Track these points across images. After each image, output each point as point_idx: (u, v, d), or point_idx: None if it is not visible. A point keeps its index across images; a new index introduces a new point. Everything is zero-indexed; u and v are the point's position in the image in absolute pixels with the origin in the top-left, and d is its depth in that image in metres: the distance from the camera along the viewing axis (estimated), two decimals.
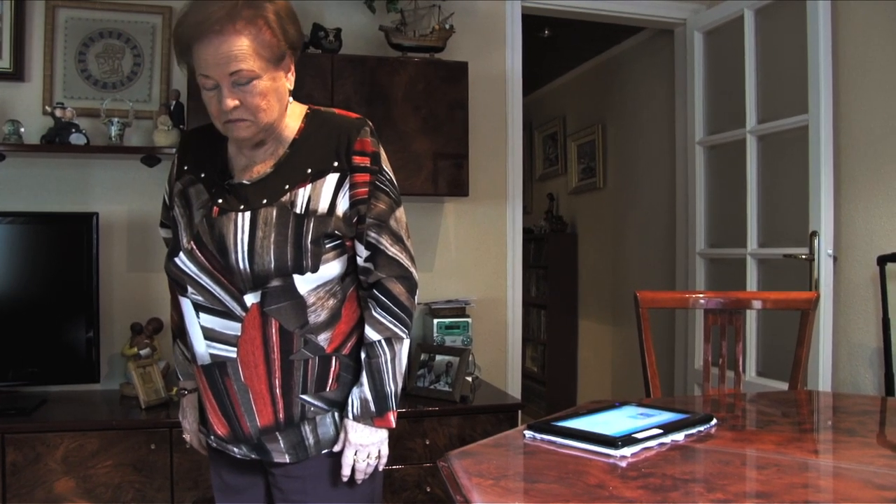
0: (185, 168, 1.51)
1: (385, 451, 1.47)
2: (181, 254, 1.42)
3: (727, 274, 3.29)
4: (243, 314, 1.39)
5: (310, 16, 2.99)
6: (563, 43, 4.70)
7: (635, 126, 4.43)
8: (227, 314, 1.40)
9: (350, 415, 1.43)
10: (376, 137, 1.45)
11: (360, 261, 1.45)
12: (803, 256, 2.75)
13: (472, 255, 3.24)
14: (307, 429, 1.44)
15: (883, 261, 2.49)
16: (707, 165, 3.41)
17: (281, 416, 1.42)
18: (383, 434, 1.46)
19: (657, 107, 4.11)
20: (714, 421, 1.45)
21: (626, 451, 1.23)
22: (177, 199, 1.49)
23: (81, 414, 2.46)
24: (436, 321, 2.97)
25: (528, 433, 1.36)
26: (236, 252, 1.37)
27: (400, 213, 1.47)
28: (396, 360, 1.45)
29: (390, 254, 1.44)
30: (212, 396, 1.45)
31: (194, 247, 1.41)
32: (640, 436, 1.28)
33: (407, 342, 1.47)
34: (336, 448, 1.45)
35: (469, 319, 3.01)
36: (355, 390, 1.44)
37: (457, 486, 1.13)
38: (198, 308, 1.43)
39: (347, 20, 3.03)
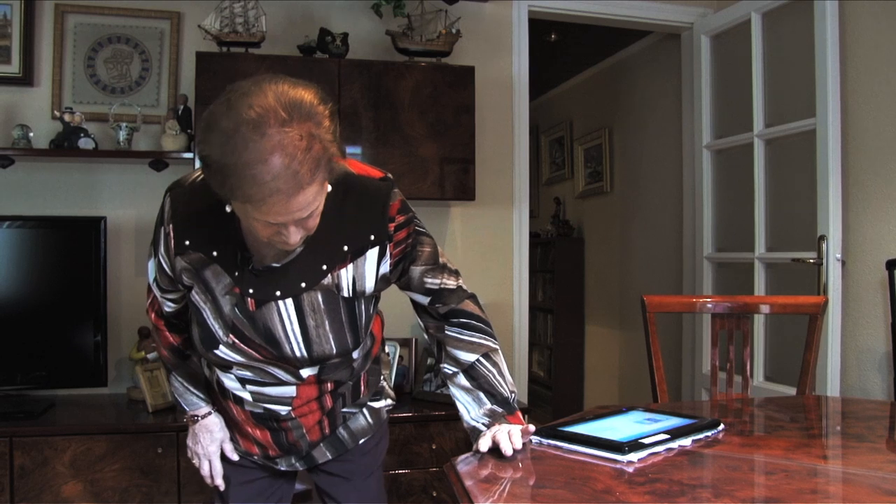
0: (188, 243, 1.31)
1: (532, 430, 1.37)
2: (221, 346, 1.34)
3: (735, 278, 3.28)
4: (298, 383, 1.41)
5: (317, 20, 3.00)
6: (569, 47, 4.70)
7: (642, 130, 4.43)
8: (279, 384, 1.41)
9: (484, 429, 1.36)
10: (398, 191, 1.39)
11: (422, 301, 1.46)
12: (811, 261, 2.73)
13: (478, 260, 3.23)
14: (344, 434, 1.55)
15: (892, 265, 2.48)
16: (714, 169, 3.41)
17: (327, 431, 1.52)
18: (519, 427, 1.36)
19: (664, 111, 4.11)
20: (722, 426, 1.44)
21: (633, 456, 1.22)
22: (187, 277, 1.34)
23: (89, 418, 2.46)
24: None
25: (534, 438, 1.36)
26: (290, 342, 1.33)
27: (435, 242, 1.46)
28: (501, 368, 1.42)
29: (451, 287, 1.44)
30: (264, 429, 1.49)
31: (235, 340, 1.33)
32: (647, 441, 1.28)
33: (499, 350, 1.46)
34: (483, 449, 1.32)
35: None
36: (476, 412, 1.38)
37: (463, 490, 1.13)
38: (243, 381, 1.41)
39: (354, 25, 3.04)
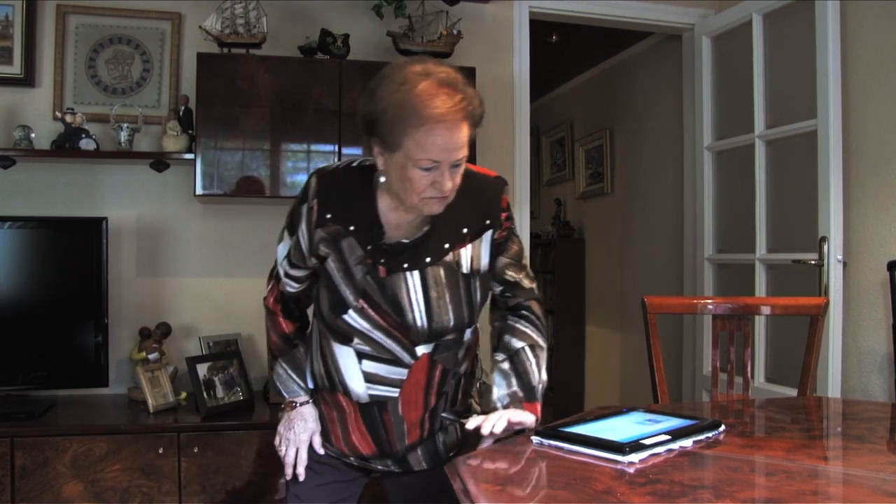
0: (329, 217, 1.47)
1: (531, 423, 1.47)
2: (350, 311, 1.47)
3: (736, 279, 3.28)
4: (412, 362, 1.50)
5: (318, 21, 3.00)
6: (570, 48, 4.70)
7: (643, 131, 4.43)
8: (394, 362, 1.50)
9: (499, 407, 1.49)
10: None
11: (496, 289, 1.59)
12: (812, 262, 2.73)
13: None
14: (440, 439, 1.60)
15: (893, 266, 2.48)
16: (715, 170, 3.41)
17: (426, 434, 1.58)
18: (531, 416, 1.48)
19: (665, 112, 4.11)
20: (722, 427, 1.44)
21: (634, 457, 1.22)
22: (324, 247, 1.48)
23: (90, 418, 2.46)
24: None
25: (535, 439, 1.36)
26: (413, 311, 1.47)
27: (524, 247, 1.62)
28: (540, 362, 1.54)
29: (526, 286, 1.60)
30: (364, 426, 1.55)
31: (365, 305, 1.46)
32: (647, 442, 1.28)
33: (545, 350, 1.57)
34: (469, 427, 1.46)
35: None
36: (502, 391, 1.51)
37: (465, 491, 1.13)
38: (361, 356, 1.50)
39: (355, 26, 3.04)
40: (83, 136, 2.66)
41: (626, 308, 4.73)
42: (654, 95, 4.29)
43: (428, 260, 1.47)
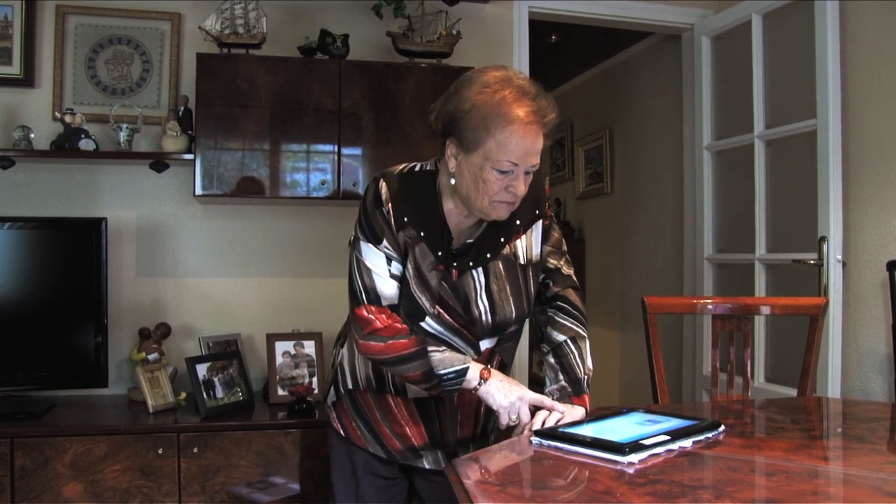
0: (405, 220, 1.49)
1: (580, 416, 1.49)
2: (427, 318, 1.50)
3: (735, 279, 3.28)
4: (475, 357, 1.54)
5: (317, 21, 3.00)
6: (570, 48, 4.70)
7: (643, 131, 4.43)
8: None
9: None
10: None
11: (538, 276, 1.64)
12: (812, 262, 2.73)
13: None
14: (492, 438, 1.65)
15: (893, 266, 2.48)
16: (715, 170, 3.41)
17: (479, 430, 1.63)
18: (580, 410, 1.51)
19: (665, 112, 4.11)
20: (722, 427, 1.44)
21: (634, 457, 1.22)
22: (408, 249, 1.48)
23: (89, 418, 2.46)
24: None
25: (534, 439, 1.36)
26: (479, 307, 1.52)
27: (562, 235, 1.69)
28: (583, 352, 1.58)
29: (565, 273, 1.66)
30: (417, 414, 1.58)
31: (441, 311, 1.51)
32: (647, 442, 1.27)
33: (587, 338, 1.62)
34: (525, 420, 1.47)
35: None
36: (551, 386, 1.56)
37: (464, 491, 1.13)
38: None
39: (355, 26, 3.04)
40: (83, 136, 2.66)
41: (626, 308, 4.73)
42: (654, 95, 4.28)
43: (489, 255, 1.53)
